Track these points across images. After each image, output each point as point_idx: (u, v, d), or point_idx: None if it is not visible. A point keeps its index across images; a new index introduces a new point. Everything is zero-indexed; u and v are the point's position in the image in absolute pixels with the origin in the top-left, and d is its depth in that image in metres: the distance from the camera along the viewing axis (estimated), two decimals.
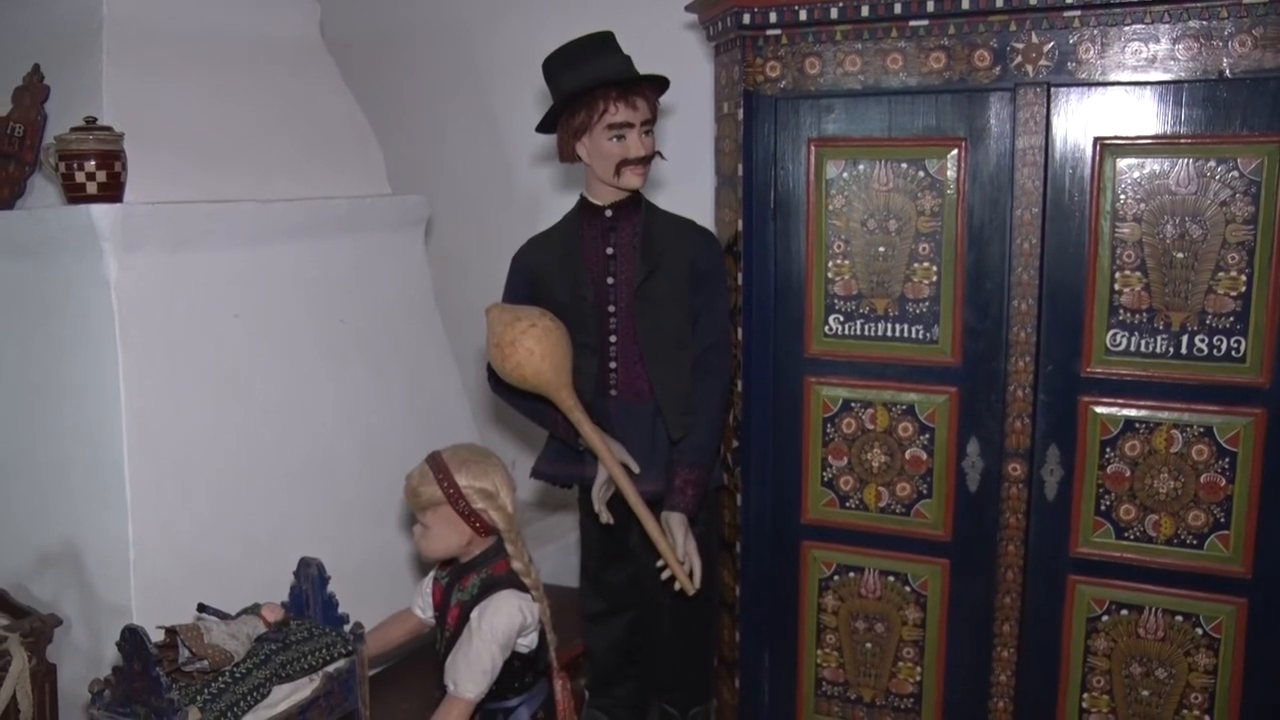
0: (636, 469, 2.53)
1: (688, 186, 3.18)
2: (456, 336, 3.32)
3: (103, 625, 2.18)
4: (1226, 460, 2.24)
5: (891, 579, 2.57)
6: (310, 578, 2.28)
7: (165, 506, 2.25)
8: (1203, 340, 2.22)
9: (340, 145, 3.07)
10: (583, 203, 2.59)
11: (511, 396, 2.57)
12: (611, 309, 2.55)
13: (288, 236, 2.69)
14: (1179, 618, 2.32)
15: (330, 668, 2.21)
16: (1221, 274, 2.19)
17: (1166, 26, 2.15)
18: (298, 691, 2.15)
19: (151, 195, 2.44)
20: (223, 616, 2.17)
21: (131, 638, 1.91)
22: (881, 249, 2.45)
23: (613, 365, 2.58)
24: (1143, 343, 2.26)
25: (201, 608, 2.19)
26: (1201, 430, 2.24)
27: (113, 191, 2.39)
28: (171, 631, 2.06)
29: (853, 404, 2.53)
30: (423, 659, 2.64)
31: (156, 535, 2.21)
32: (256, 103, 2.83)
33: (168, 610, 2.14)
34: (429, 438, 2.33)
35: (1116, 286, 2.26)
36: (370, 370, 2.86)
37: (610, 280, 2.55)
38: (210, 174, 2.62)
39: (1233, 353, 2.20)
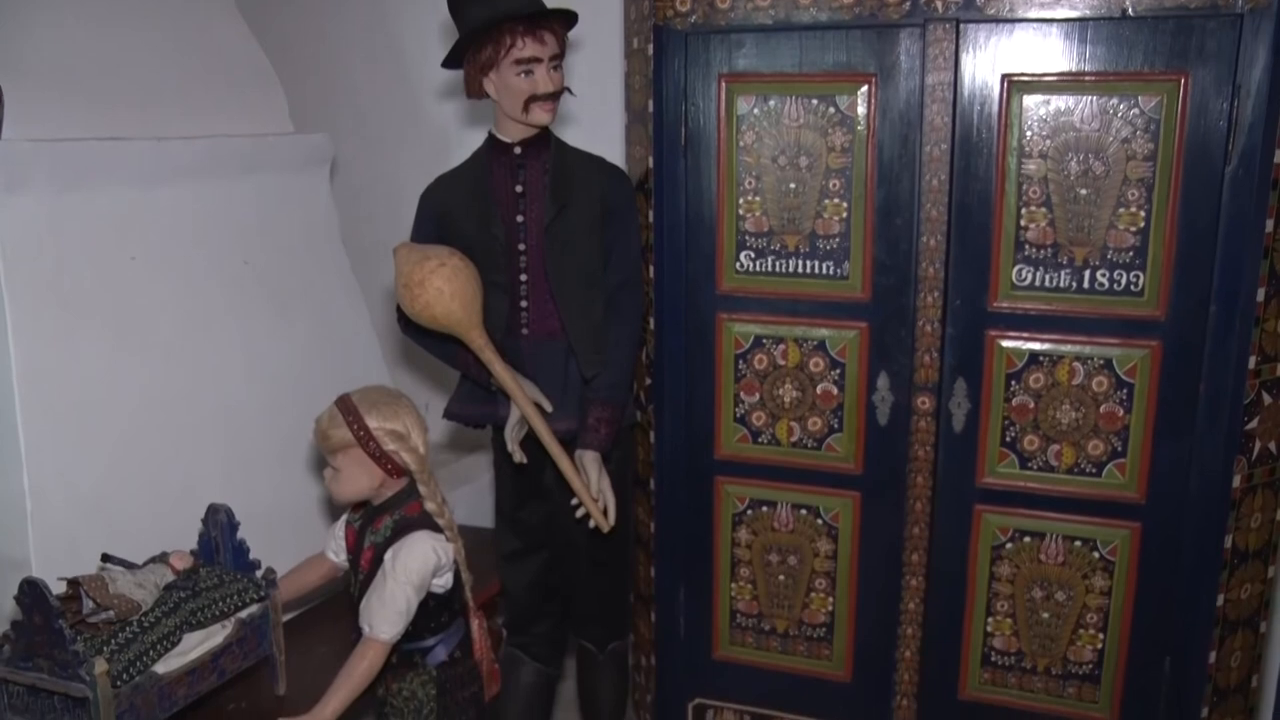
0: (549, 408, 2.53)
1: (597, 123, 3.15)
2: (365, 277, 3.26)
3: (0, 580, 2.12)
4: (1124, 391, 2.31)
5: (804, 512, 2.61)
6: (219, 524, 2.24)
7: (63, 457, 2.18)
8: (1104, 275, 2.27)
9: (238, 82, 2.97)
10: (491, 140, 2.54)
11: (421, 337, 2.54)
12: (522, 247, 2.53)
13: (185, 176, 2.60)
14: (1078, 543, 2.41)
15: (243, 613, 2.19)
16: (1122, 210, 2.23)
17: None
18: (210, 639, 2.12)
19: (34, 133, 2.33)
20: (128, 566, 2.13)
21: (30, 590, 1.86)
22: (792, 185, 2.45)
23: (524, 304, 2.55)
24: (1047, 277, 2.31)
25: (106, 558, 2.14)
26: (1101, 362, 2.31)
27: None
28: (74, 583, 2.01)
29: (764, 340, 2.55)
30: (338, 603, 2.62)
31: (55, 486, 2.14)
32: (148, 36, 2.71)
33: (70, 562, 2.08)
34: (338, 380, 2.28)
35: (1022, 222, 2.30)
36: (276, 313, 2.80)
37: (520, 218, 2.52)
38: (99, 111, 2.51)
39: (1131, 287, 2.26)
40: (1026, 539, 2.44)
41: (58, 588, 1.94)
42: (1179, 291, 2.23)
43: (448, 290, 2.33)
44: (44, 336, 2.20)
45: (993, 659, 2.53)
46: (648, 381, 2.66)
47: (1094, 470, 2.36)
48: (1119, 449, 2.33)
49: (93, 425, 2.26)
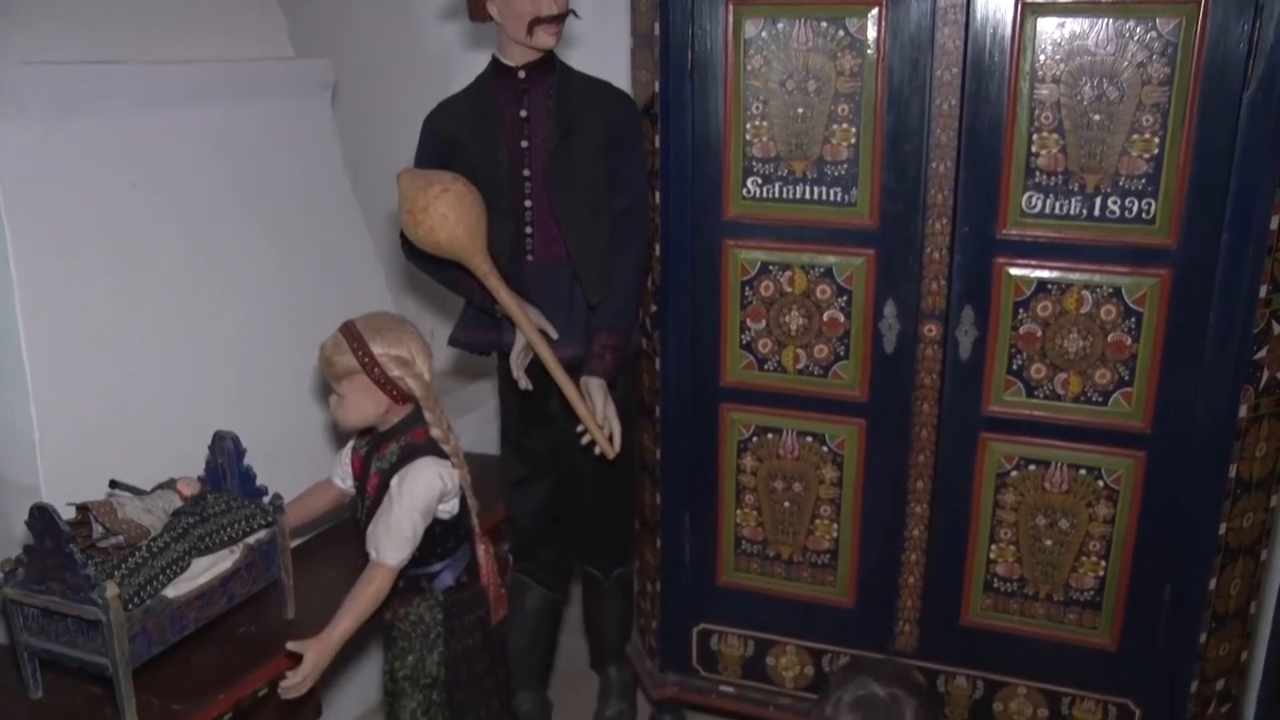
0: (555, 334, 2.52)
1: (602, 46, 3.09)
2: (368, 204, 3.23)
3: (11, 507, 2.13)
4: (1133, 320, 2.29)
5: (809, 439, 2.61)
6: (226, 451, 2.25)
7: (69, 386, 2.18)
8: (1115, 202, 2.24)
9: (237, 4, 2.91)
10: (494, 64, 2.50)
11: (426, 264, 2.53)
12: (526, 173, 2.50)
13: (184, 101, 2.56)
14: (1082, 471, 2.41)
15: (250, 539, 2.20)
16: (1136, 136, 2.20)
17: None
18: (218, 564, 2.14)
19: (28, 56, 2.29)
20: (136, 492, 2.14)
21: (40, 515, 1.87)
22: (800, 110, 2.41)
23: (529, 230, 2.53)
24: (1057, 205, 2.28)
25: (114, 484, 2.16)
26: (1110, 291, 2.29)
27: None
28: (83, 508, 2.02)
29: (771, 267, 2.53)
30: (345, 529, 2.64)
31: (62, 415, 2.14)
32: None
33: (79, 489, 2.09)
34: (342, 307, 2.27)
35: (1034, 148, 2.27)
36: (279, 240, 2.78)
37: (524, 144, 2.49)
38: (94, 33, 2.47)
39: (1143, 214, 2.23)
40: (1031, 467, 2.44)
41: (67, 513, 1.96)
42: (1191, 219, 2.20)
43: (452, 216, 2.31)
44: (46, 264, 2.19)
45: (995, 585, 2.55)
46: (653, 308, 2.65)
47: (1100, 399, 2.36)
48: (1126, 378, 2.33)
49: (98, 354, 2.26)
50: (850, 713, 1.60)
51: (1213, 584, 2.35)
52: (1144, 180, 2.21)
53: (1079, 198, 2.26)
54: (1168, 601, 2.42)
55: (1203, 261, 2.21)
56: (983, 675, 2.61)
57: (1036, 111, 2.24)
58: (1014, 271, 2.35)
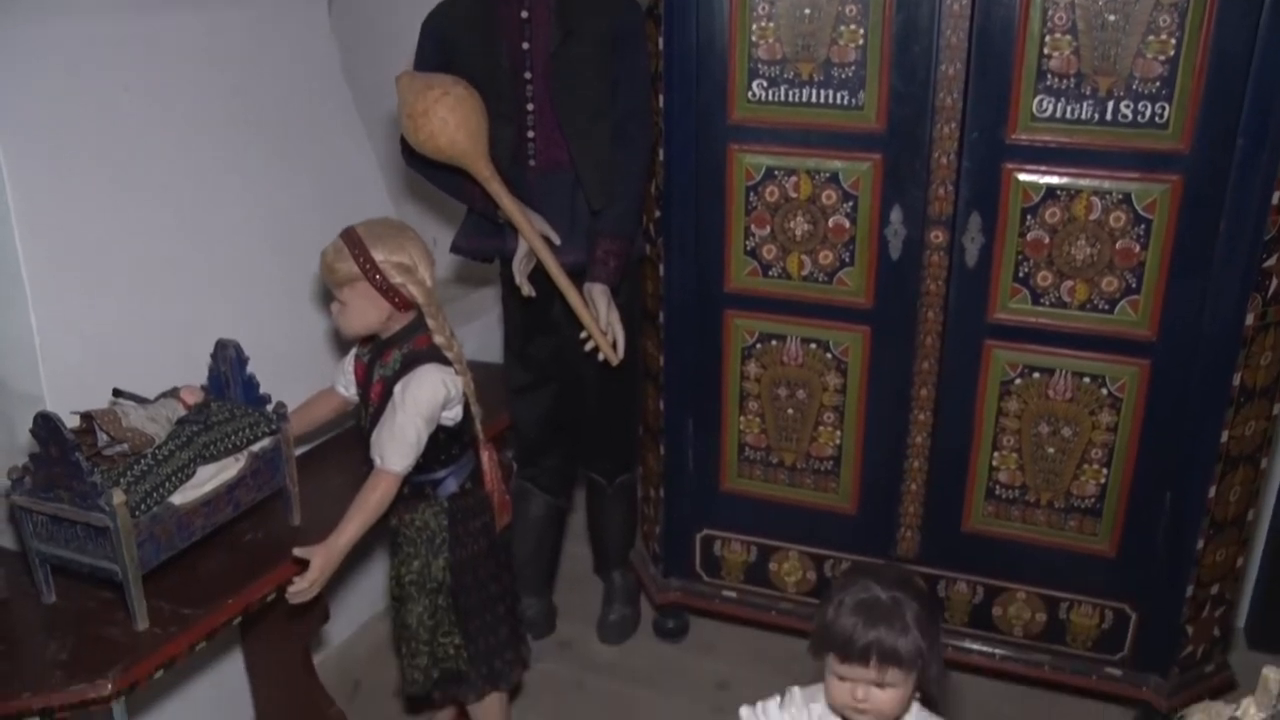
0: (557, 240, 2.50)
1: None
2: (367, 108, 3.17)
3: (16, 414, 2.13)
4: (1142, 227, 2.26)
5: (813, 346, 2.60)
6: (228, 360, 2.24)
7: (68, 294, 2.16)
8: (1128, 106, 2.19)
9: None
10: None
11: (426, 169, 2.49)
12: (528, 75, 2.45)
13: (177, 4, 2.49)
14: (1086, 379, 2.41)
15: (255, 447, 2.21)
16: (1151, 37, 2.14)
17: None
18: (224, 471, 2.15)
19: None
20: (140, 401, 2.14)
21: (45, 423, 1.87)
22: (807, 10, 2.35)
23: (530, 134, 2.49)
24: (1069, 109, 2.23)
25: (117, 393, 2.15)
26: (1120, 197, 2.26)
27: None
28: (87, 417, 2.02)
29: (776, 172, 2.50)
30: (349, 437, 2.65)
31: (62, 324, 2.12)
32: None
33: (83, 398, 2.09)
34: (342, 214, 2.24)
35: (1046, 50, 2.21)
36: (277, 146, 2.73)
37: (525, 45, 2.43)
38: None
39: (1156, 119, 2.18)
40: (1035, 375, 2.44)
41: (71, 421, 1.96)
42: (1205, 124, 2.15)
43: (452, 120, 2.28)
44: (39, 172, 2.15)
45: (997, 493, 2.56)
46: (657, 214, 2.62)
47: (1106, 307, 2.34)
48: (1133, 285, 2.31)
49: (96, 262, 2.24)
50: (852, 615, 1.61)
51: (1213, 491, 2.36)
52: (1158, 83, 2.16)
53: (1091, 101, 2.22)
54: (1167, 508, 2.43)
55: (1215, 167, 2.17)
56: (983, 580, 2.64)
57: (1049, 11, 2.19)
58: (1023, 177, 2.31)
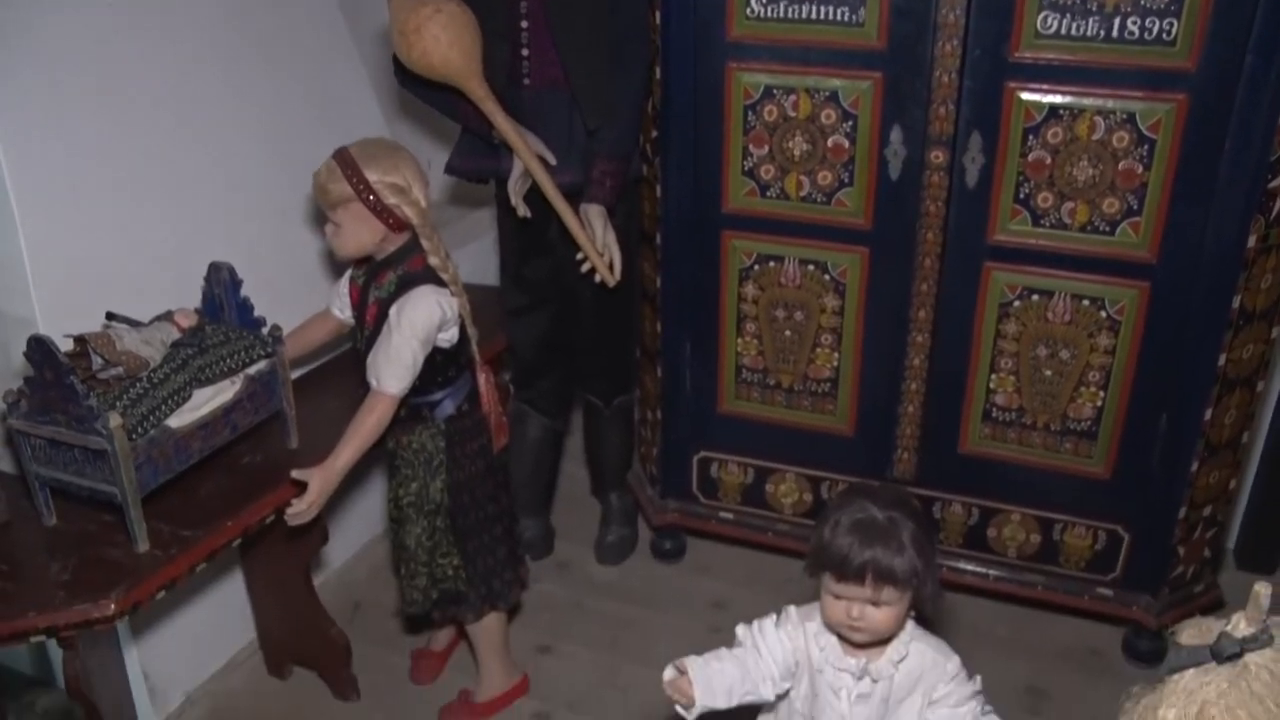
0: (553, 161, 2.47)
1: None
2: (358, 26, 3.11)
3: (9, 337, 2.12)
4: (1145, 147, 2.23)
5: (811, 267, 2.59)
6: (222, 282, 2.22)
7: (57, 216, 2.13)
8: (1134, 22, 2.15)
9: None
10: None
11: (419, 88, 2.45)
12: None
13: None
14: (1085, 301, 2.39)
15: (251, 370, 2.20)
16: None
17: None
18: (220, 394, 2.15)
19: None
20: (133, 324, 2.13)
21: (38, 347, 1.86)
22: None
23: (525, 53, 2.45)
24: (1074, 25, 2.19)
25: (110, 316, 2.14)
26: (1124, 117, 2.22)
27: None
28: (81, 340, 2.01)
29: (774, 90, 2.45)
30: (346, 360, 2.64)
31: (52, 246, 2.10)
32: None
33: (76, 321, 2.08)
34: (335, 135, 2.20)
35: None
36: (267, 65, 2.68)
37: None
38: None
39: (1163, 35, 2.14)
40: (1034, 297, 2.43)
41: (65, 345, 1.95)
42: (1214, 40, 2.11)
43: (444, 38, 2.24)
44: (25, 91, 2.11)
45: (994, 415, 2.57)
46: (654, 133, 2.58)
47: (1107, 229, 2.32)
48: (1135, 207, 2.28)
49: (85, 183, 2.21)
50: (848, 535, 1.62)
51: (1208, 414, 2.36)
52: None
53: (1097, 18, 2.17)
54: (1163, 431, 2.44)
55: (1222, 86, 2.13)
56: (978, 502, 2.66)
57: None
58: (1025, 96, 2.27)
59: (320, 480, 2.08)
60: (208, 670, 2.64)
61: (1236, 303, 2.25)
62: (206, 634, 2.61)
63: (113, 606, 1.86)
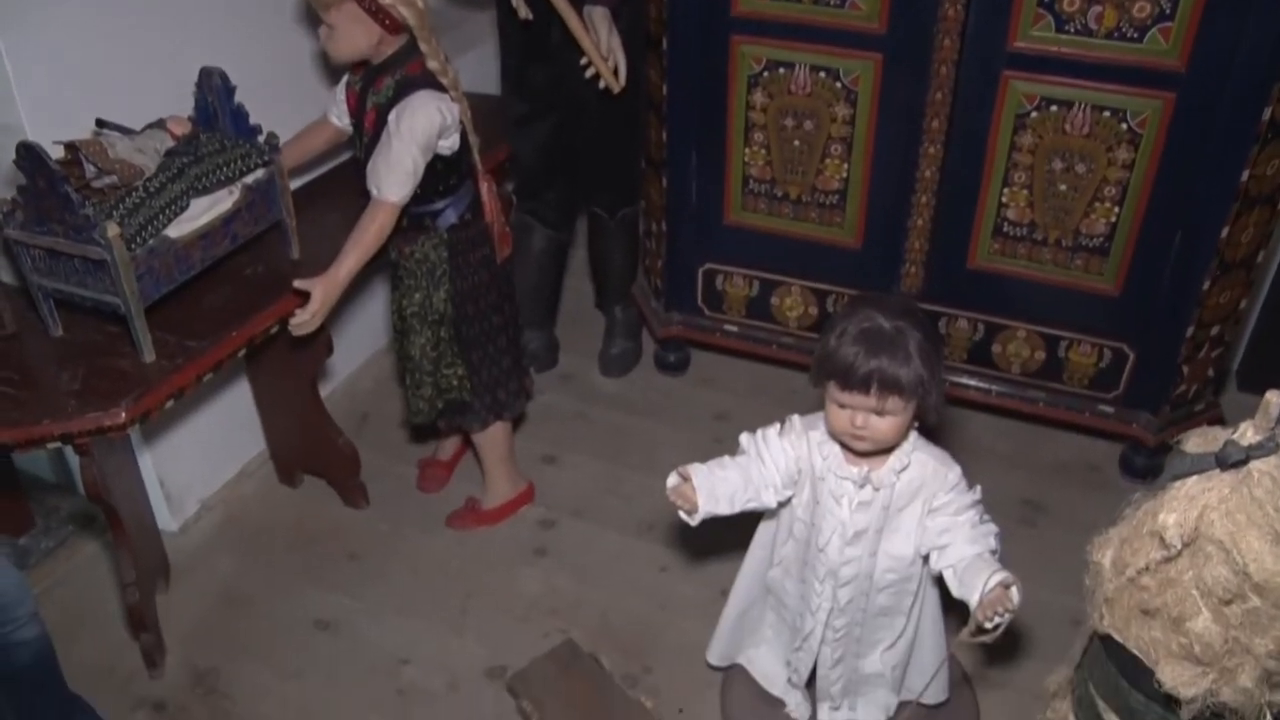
0: None
1: None
2: None
3: None
4: None
5: (822, 75, 2.50)
6: (214, 89, 2.15)
7: (37, 17, 2.04)
8: None
9: None
10: None
11: None
12: None
13: None
14: (1106, 113, 2.32)
15: (249, 179, 2.16)
16: None
17: None
18: (218, 204, 2.11)
19: None
20: (125, 132, 2.07)
21: (28, 153, 1.82)
22: None
23: None
24: None
25: (100, 123, 2.08)
26: None
27: None
28: (71, 147, 1.97)
29: None
30: (346, 171, 2.59)
31: (34, 48, 2.01)
32: None
33: (64, 128, 2.02)
34: None
35: None
36: None
37: None
38: None
39: None
40: (1053, 108, 2.35)
41: (55, 152, 1.90)
42: None
43: None
44: None
45: (1004, 230, 2.53)
46: None
47: (1136, 35, 2.22)
48: (1167, 11, 2.17)
49: None
50: (854, 343, 1.61)
51: (1225, 231, 2.32)
52: None
53: None
54: (1177, 247, 2.40)
55: None
56: (984, 318, 2.65)
57: None
58: None
59: (323, 290, 2.07)
60: (221, 479, 2.69)
61: (1267, 114, 2.17)
62: (218, 445, 2.65)
63: (123, 415, 1.88)
